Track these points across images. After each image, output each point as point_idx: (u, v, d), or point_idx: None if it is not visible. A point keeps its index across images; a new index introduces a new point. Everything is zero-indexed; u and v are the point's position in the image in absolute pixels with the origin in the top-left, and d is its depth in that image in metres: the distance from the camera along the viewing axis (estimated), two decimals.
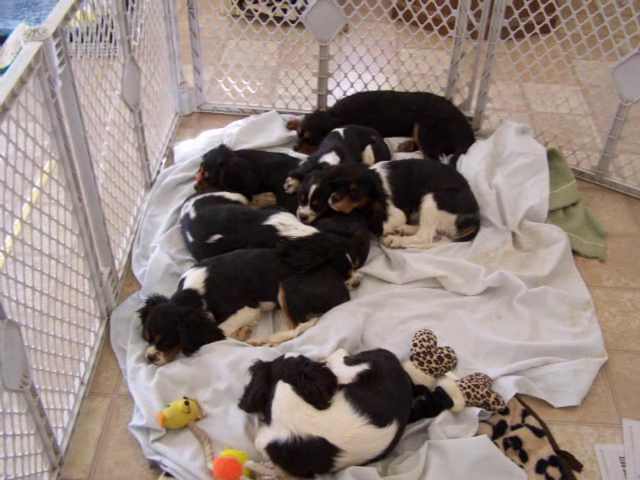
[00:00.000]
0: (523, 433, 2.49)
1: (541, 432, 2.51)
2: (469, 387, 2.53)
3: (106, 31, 2.85)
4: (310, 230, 3.07)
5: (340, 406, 2.33)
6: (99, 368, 2.75)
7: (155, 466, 2.40)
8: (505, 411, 2.56)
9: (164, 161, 3.81)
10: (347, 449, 2.26)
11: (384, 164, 3.42)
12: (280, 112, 4.11)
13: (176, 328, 2.66)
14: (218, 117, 4.21)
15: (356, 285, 3.06)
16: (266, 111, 4.11)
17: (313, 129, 3.80)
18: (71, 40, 2.42)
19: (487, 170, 3.49)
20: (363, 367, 2.44)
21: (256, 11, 3.90)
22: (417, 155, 3.77)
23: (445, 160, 3.69)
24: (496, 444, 2.41)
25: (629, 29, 3.29)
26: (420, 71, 4.00)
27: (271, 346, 2.77)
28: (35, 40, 2.14)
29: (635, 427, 2.58)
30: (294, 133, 3.92)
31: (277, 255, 2.93)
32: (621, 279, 3.22)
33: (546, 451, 2.46)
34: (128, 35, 3.00)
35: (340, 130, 3.66)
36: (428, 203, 3.26)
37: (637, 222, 3.53)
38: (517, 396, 2.62)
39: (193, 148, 3.83)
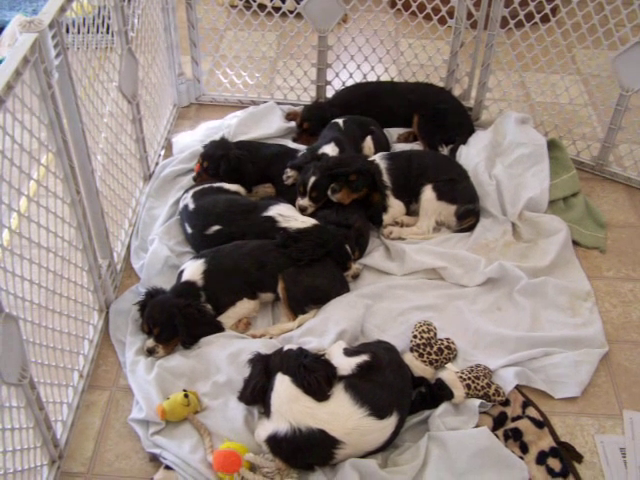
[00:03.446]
0: (523, 424, 2.49)
1: (541, 423, 2.51)
2: (469, 378, 2.52)
3: (103, 22, 2.83)
4: (309, 221, 3.06)
5: (340, 398, 2.32)
6: (98, 361, 2.75)
7: (155, 459, 2.40)
8: (505, 402, 2.55)
9: (162, 153, 3.79)
10: (347, 441, 2.26)
11: (384, 155, 3.40)
12: (279, 103, 4.10)
13: (174, 320, 2.66)
14: (216, 108, 4.19)
15: (356, 276, 3.05)
16: (265, 102, 4.09)
17: (312, 120, 3.79)
18: (68, 31, 2.41)
19: (487, 160, 3.48)
20: (363, 358, 2.43)
21: (254, 1, 3.88)
22: (417, 146, 3.76)
23: (445, 151, 3.67)
24: (496, 435, 2.40)
25: (630, 18, 3.27)
26: (419, 61, 3.98)
27: (271, 338, 2.77)
28: (31, 31, 2.12)
29: (636, 418, 2.58)
30: (293, 124, 3.91)
31: (276, 246, 2.92)
32: (622, 269, 3.21)
33: (547, 442, 2.46)
34: (125, 26, 2.98)
35: (339, 121, 3.64)
36: (427, 194, 3.25)
37: (638, 212, 3.52)
38: (517, 387, 2.62)
39: (192, 139, 3.81)
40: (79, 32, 2.56)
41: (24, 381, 2.05)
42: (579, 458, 2.44)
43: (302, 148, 3.58)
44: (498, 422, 2.49)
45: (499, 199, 3.33)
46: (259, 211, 3.10)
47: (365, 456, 2.32)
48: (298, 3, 3.84)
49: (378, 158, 3.37)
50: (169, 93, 4.07)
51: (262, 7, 3.93)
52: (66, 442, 2.43)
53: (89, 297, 2.78)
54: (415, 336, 2.66)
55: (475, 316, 2.88)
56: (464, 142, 3.67)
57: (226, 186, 3.28)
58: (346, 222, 3.08)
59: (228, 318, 2.83)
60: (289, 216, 3.07)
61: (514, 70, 3.85)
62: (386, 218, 3.27)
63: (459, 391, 2.49)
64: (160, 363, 2.63)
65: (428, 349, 2.62)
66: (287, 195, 3.29)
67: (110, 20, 2.89)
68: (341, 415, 2.28)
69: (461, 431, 2.40)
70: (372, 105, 3.85)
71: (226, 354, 2.63)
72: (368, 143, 3.62)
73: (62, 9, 2.32)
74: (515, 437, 2.45)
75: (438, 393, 2.50)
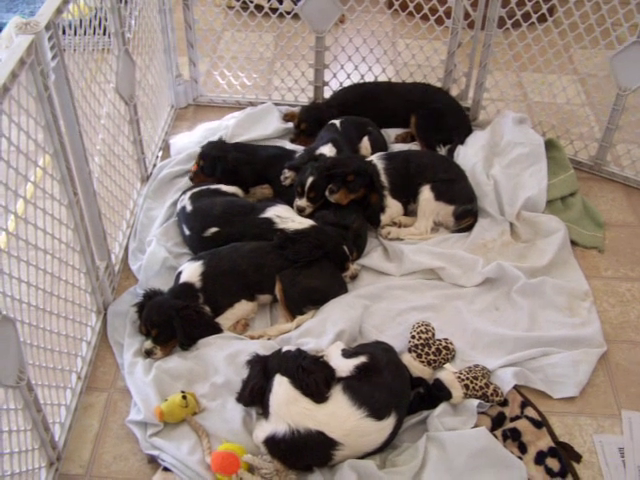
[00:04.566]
0: (522, 424, 2.48)
1: (540, 423, 2.51)
2: (467, 379, 2.52)
3: (100, 24, 2.83)
4: (307, 222, 3.06)
5: (338, 399, 2.32)
6: (96, 363, 2.74)
7: (153, 461, 2.40)
8: (504, 402, 2.55)
9: (160, 154, 3.79)
10: (345, 442, 2.26)
11: (381, 155, 3.40)
12: (276, 104, 4.09)
13: (172, 322, 2.65)
14: (214, 109, 4.19)
15: (354, 277, 3.04)
16: (262, 103, 4.09)
17: (310, 121, 3.79)
18: (64, 33, 2.40)
19: (485, 161, 3.49)
20: (361, 360, 2.43)
21: (251, 2, 3.88)
22: (414, 146, 3.76)
23: (442, 151, 3.67)
24: (495, 436, 2.40)
25: (627, 17, 3.27)
26: (417, 62, 3.98)
27: (269, 339, 2.76)
28: (27, 33, 2.12)
29: (634, 418, 2.58)
30: (290, 125, 3.91)
31: (274, 248, 2.92)
32: (620, 269, 3.21)
33: (545, 442, 2.46)
34: (122, 28, 2.98)
35: (337, 121, 3.64)
36: (425, 194, 3.25)
37: (635, 212, 3.52)
38: (516, 387, 2.62)
39: (189, 141, 3.81)
40: (76, 34, 2.56)
41: (22, 383, 2.04)
42: (578, 458, 2.44)
43: (300, 149, 3.58)
44: (496, 422, 2.49)
45: (497, 199, 3.33)
46: (257, 213, 3.10)
47: (363, 457, 2.32)
48: (295, 4, 3.83)
49: (376, 158, 3.37)
50: (166, 94, 4.07)
51: (259, 8, 3.93)
52: (64, 444, 2.43)
53: (87, 299, 2.78)
54: (413, 336, 2.66)
55: (473, 316, 2.88)
56: (462, 142, 3.67)
57: (224, 188, 3.28)
58: (344, 223, 3.08)
59: (226, 319, 2.83)
60: (287, 217, 3.07)
61: (511, 70, 3.86)
62: (384, 218, 3.27)
63: (457, 391, 2.49)
64: (158, 365, 2.63)
65: (426, 349, 2.62)
66: (285, 196, 3.29)
67: (107, 22, 2.89)
68: (339, 416, 2.28)
69: (459, 431, 2.40)
70: (369, 106, 3.85)
71: (224, 355, 2.63)
72: (365, 144, 3.62)
73: (59, 11, 2.32)
74: (514, 437, 2.45)
75: (436, 393, 2.50)
